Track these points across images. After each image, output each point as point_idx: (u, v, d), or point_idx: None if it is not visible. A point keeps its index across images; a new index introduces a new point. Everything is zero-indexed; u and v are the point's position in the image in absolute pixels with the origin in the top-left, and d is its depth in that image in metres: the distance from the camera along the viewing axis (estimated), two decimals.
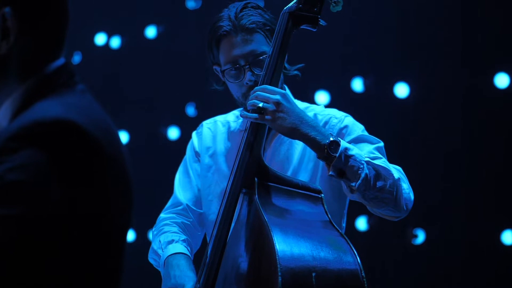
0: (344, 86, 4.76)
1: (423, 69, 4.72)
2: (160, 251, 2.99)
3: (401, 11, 4.72)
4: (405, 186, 2.80)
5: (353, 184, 2.69)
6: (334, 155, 2.68)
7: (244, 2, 2.98)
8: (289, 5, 2.84)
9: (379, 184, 2.72)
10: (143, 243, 4.89)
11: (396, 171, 2.80)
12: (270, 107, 2.73)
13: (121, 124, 4.94)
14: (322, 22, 2.81)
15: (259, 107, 2.73)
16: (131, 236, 4.95)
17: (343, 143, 2.70)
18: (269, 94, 2.74)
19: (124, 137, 4.97)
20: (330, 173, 2.70)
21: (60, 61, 1.69)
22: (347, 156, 2.68)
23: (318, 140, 2.70)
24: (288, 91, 2.94)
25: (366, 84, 4.77)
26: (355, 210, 4.62)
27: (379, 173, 2.73)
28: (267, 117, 2.73)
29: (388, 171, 2.75)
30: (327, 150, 2.68)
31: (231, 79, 2.95)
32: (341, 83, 4.77)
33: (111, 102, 4.84)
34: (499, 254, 4.60)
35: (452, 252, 4.62)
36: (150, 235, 4.94)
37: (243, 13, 2.94)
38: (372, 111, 4.64)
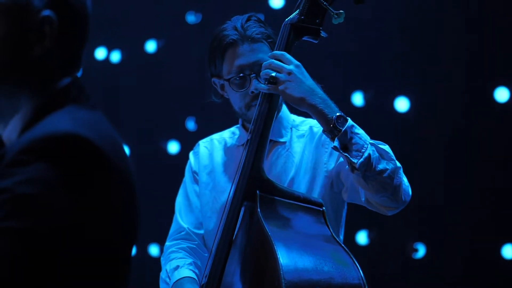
0: (344, 100, 4.75)
1: (423, 83, 4.73)
2: (167, 280, 3.00)
3: (401, 25, 4.72)
4: (405, 179, 2.79)
5: (355, 161, 2.67)
6: (340, 128, 2.68)
7: (248, 15, 3.00)
8: (291, 16, 2.84)
9: (380, 166, 2.71)
10: (143, 257, 4.89)
11: (398, 162, 2.79)
12: (283, 77, 2.74)
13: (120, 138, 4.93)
14: (323, 34, 2.82)
15: (272, 76, 2.74)
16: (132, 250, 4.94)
17: (351, 121, 2.71)
18: (284, 63, 2.75)
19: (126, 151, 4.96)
20: (335, 144, 2.69)
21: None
22: (352, 133, 2.69)
23: (326, 112, 2.72)
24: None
25: (366, 98, 4.77)
26: (356, 224, 4.64)
27: (382, 156, 2.72)
28: (280, 87, 2.74)
29: (391, 156, 2.76)
30: (334, 123, 2.69)
31: (235, 88, 2.95)
32: (341, 97, 4.77)
33: (111, 116, 4.82)
34: (500, 268, 4.59)
35: (453, 266, 4.61)
36: (151, 249, 4.95)
37: (248, 24, 2.96)
38: (373, 125, 4.61)
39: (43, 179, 1.49)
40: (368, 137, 2.73)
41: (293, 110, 3.05)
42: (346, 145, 2.69)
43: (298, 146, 2.99)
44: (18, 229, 1.47)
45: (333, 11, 2.77)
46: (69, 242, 1.51)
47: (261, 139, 2.79)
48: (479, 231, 4.59)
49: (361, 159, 2.67)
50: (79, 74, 1.73)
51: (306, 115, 2.90)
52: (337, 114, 2.70)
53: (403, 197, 2.77)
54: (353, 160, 2.67)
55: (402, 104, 4.73)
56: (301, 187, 2.92)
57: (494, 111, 4.62)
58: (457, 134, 4.65)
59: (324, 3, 2.78)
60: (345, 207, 3.01)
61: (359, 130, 2.72)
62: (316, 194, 2.91)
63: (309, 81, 2.76)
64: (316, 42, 2.84)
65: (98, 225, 1.56)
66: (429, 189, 4.60)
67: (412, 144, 4.71)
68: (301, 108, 2.77)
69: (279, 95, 2.82)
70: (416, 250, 4.70)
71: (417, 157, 4.67)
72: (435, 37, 4.70)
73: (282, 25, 2.85)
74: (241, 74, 2.93)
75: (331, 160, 2.93)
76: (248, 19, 2.98)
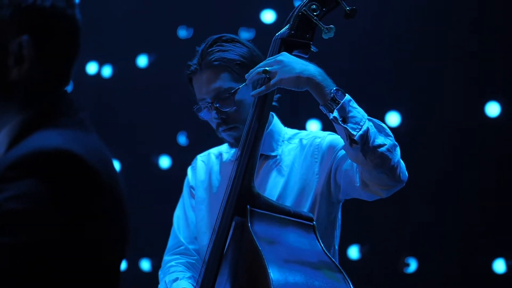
0: None
1: (414, 98, 4.74)
2: None
3: (393, 40, 4.74)
4: (402, 161, 2.78)
5: (354, 133, 2.64)
6: (339, 100, 2.67)
7: (219, 35, 3.00)
8: (281, 31, 2.85)
9: (379, 140, 2.68)
10: (134, 271, 4.87)
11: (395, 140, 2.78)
12: (274, 68, 2.74)
13: (112, 152, 4.91)
14: (313, 49, 2.82)
15: (266, 69, 2.74)
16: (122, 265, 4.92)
17: (349, 96, 2.70)
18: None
19: (115, 165, 4.96)
20: (334, 115, 2.66)
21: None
22: (351, 106, 2.67)
23: (324, 85, 2.71)
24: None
25: None
26: (347, 238, 4.63)
27: (380, 131, 2.70)
28: (274, 78, 2.72)
29: (388, 132, 2.74)
30: (334, 96, 2.68)
31: (201, 117, 3.00)
32: None
33: (102, 130, 4.82)
34: (491, 282, 4.59)
35: (444, 281, 4.61)
36: (142, 264, 4.94)
37: (212, 49, 2.97)
38: None
39: (33, 195, 1.49)
40: (366, 113, 2.71)
41: (288, 124, 3.06)
42: (344, 117, 2.66)
43: (288, 159, 2.99)
44: (7, 244, 1.47)
45: (324, 25, 2.77)
46: (59, 256, 1.51)
47: (251, 154, 2.79)
48: (470, 246, 4.59)
49: (360, 132, 2.64)
50: (69, 88, 1.74)
51: (301, 125, 2.89)
52: (336, 88, 2.69)
53: (401, 175, 2.76)
54: (352, 132, 2.64)
55: (393, 119, 4.74)
56: (291, 200, 2.91)
57: (485, 126, 4.63)
58: (449, 148, 4.66)
59: (315, 18, 2.79)
60: (339, 217, 3.00)
61: (357, 106, 2.70)
62: (307, 204, 2.90)
63: (299, 60, 2.75)
64: (306, 56, 2.84)
65: (87, 240, 1.56)
66: (420, 203, 4.60)
67: (403, 158, 4.70)
68: (301, 86, 2.73)
69: (269, 111, 2.83)
70: (407, 265, 4.70)
71: (408, 171, 4.67)
72: (426, 51, 4.71)
73: (273, 40, 2.86)
74: (202, 103, 2.98)
75: (322, 168, 2.92)
76: (215, 42, 2.98)
